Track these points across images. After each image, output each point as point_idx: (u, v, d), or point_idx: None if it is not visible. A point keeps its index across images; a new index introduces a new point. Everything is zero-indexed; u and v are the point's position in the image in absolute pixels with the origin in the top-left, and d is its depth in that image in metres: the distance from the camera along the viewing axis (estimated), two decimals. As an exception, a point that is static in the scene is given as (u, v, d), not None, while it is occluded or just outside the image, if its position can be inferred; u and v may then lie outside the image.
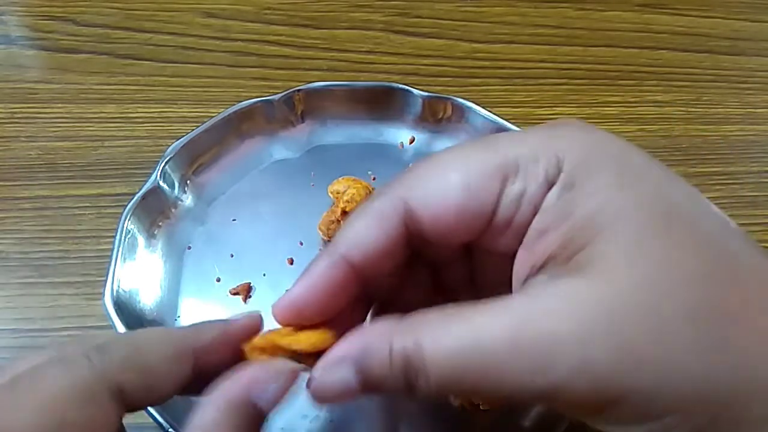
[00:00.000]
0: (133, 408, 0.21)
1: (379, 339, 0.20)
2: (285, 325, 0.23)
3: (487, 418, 0.32)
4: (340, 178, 0.40)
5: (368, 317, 0.26)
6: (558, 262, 0.20)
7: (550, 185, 0.20)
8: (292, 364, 0.22)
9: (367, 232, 0.22)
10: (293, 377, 0.22)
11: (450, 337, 0.19)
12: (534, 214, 0.21)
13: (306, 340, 0.22)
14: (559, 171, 0.20)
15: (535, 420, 0.32)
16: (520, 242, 0.21)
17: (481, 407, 0.32)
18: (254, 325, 0.23)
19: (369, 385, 0.20)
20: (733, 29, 0.58)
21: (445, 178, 0.21)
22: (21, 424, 0.18)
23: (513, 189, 0.21)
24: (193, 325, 0.23)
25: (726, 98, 0.52)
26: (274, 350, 0.22)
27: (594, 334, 0.18)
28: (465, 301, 0.20)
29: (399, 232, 0.22)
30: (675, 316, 0.18)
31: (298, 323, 0.23)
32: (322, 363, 0.21)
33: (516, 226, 0.21)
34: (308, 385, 0.21)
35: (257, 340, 0.23)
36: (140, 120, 0.46)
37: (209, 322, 0.23)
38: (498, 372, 0.18)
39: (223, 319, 0.23)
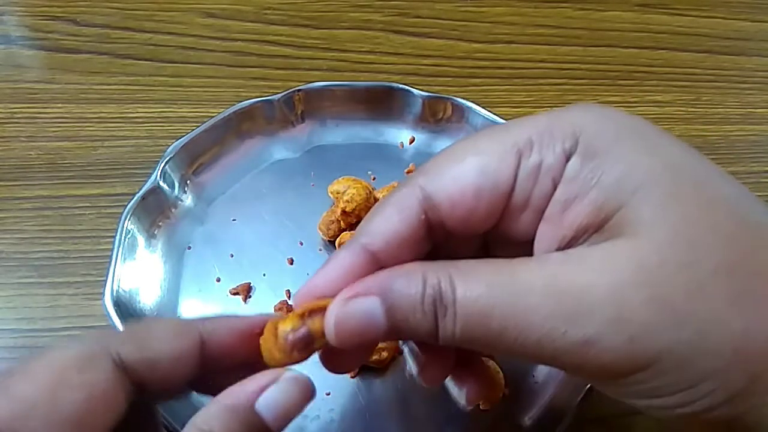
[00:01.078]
0: (143, 388, 0.21)
1: (411, 272, 0.20)
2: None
3: (487, 418, 0.32)
4: (340, 178, 0.40)
5: None
6: (587, 231, 0.20)
7: (567, 156, 0.20)
8: (302, 375, 0.21)
9: (387, 222, 0.22)
10: (303, 389, 0.21)
11: (483, 277, 0.19)
12: (554, 187, 0.21)
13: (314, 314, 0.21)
14: (576, 142, 0.20)
15: (535, 420, 0.32)
16: (539, 222, 0.21)
17: (481, 407, 0.32)
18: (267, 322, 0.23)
19: (395, 320, 0.20)
20: (733, 29, 0.58)
21: (460, 162, 0.21)
22: (29, 386, 0.19)
23: (529, 162, 0.21)
24: (209, 316, 0.23)
25: (726, 98, 0.52)
26: (288, 321, 0.21)
27: (632, 288, 0.18)
28: None
29: (419, 220, 0.22)
30: (712, 271, 0.18)
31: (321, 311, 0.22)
32: (346, 292, 0.20)
33: (535, 200, 0.21)
34: (327, 320, 0.20)
35: (270, 324, 0.22)
36: (140, 120, 0.46)
37: (226, 315, 0.23)
38: (528, 318, 0.18)
39: (237, 315, 0.24)
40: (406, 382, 0.34)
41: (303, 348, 0.21)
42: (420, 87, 0.44)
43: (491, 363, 0.33)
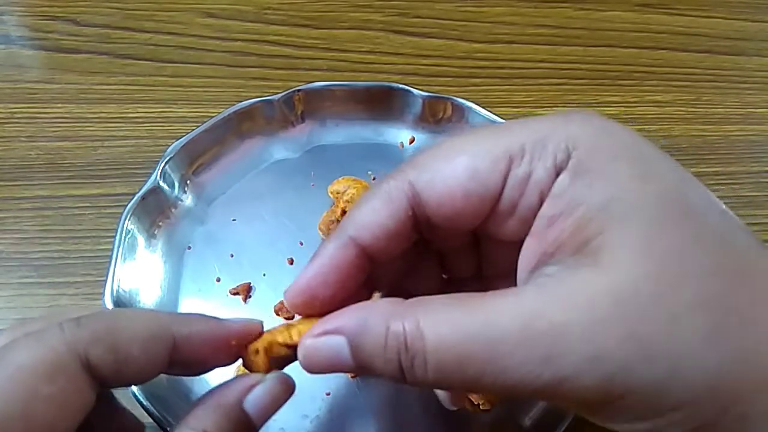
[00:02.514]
0: (108, 385, 0.21)
1: (377, 315, 0.20)
2: (296, 311, 0.23)
3: (487, 418, 0.32)
4: (340, 178, 0.40)
5: None
6: (569, 250, 0.19)
7: (558, 170, 0.20)
8: (285, 375, 0.23)
9: (375, 214, 0.22)
10: (286, 388, 0.22)
11: (455, 322, 0.19)
12: (540, 199, 0.20)
13: (301, 334, 0.22)
14: (568, 157, 0.20)
15: (535, 420, 0.32)
16: (525, 229, 0.21)
17: (481, 407, 0.32)
18: (251, 329, 0.23)
19: (360, 361, 0.20)
20: (733, 29, 0.58)
21: (451, 161, 0.21)
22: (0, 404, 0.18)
23: (518, 172, 0.20)
24: (186, 314, 0.23)
25: (726, 98, 0.52)
26: (272, 348, 0.22)
27: (608, 325, 0.18)
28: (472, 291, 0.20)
29: (406, 214, 0.22)
30: (688, 307, 0.18)
31: (308, 311, 0.22)
32: (317, 327, 0.21)
33: (521, 210, 0.21)
34: (299, 351, 0.21)
35: (255, 343, 0.23)
36: (140, 120, 0.46)
37: (205, 317, 0.23)
38: (504, 361, 0.18)
39: (221, 318, 0.23)
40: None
41: (284, 365, 0.23)
42: (420, 87, 0.44)
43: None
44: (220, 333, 0.23)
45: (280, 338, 0.22)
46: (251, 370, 0.23)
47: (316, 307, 0.22)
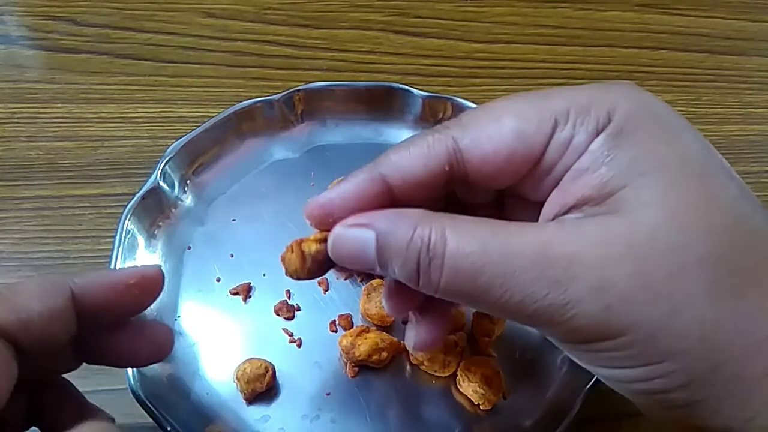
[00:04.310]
0: (27, 351, 0.21)
1: (407, 218, 0.21)
2: (310, 222, 0.24)
3: (487, 418, 0.32)
4: (340, 178, 0.40)
5: None
6: (592, 202, 0.20)
7: (597, 134, 0.21)
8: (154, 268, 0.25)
9: (410, 159, 0.23)
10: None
11: (479, 236, 0.20)
12: (577, 160, 0.21)
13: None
14: (609, 121, 0.21)
15: (535, 420, 0.32)
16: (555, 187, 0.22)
17: (481, 407, 0.32)
18: (146, 270, 0.24)
19: (383, 258, 0.21)
20: (733, 29, 0.58)
21: (498, 122, 0.22)
22: None
23: (561, 135, 0.21)
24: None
25: (726, 98, 0.52)
26: (304, 243, 0.24)
27: (616, 262, 0.19)
28: None
29: (442, 169, 0.22)
30: (696, 259, 0.18)
31: (321, 226, 0.24)
32: (350, 219, 0.22)
33: (557, 172, 0.22)
34: (329, 237, 0.23)
35: (290, 244, 0.24)
36: (140, 120, 0.46)
37: (101, 269, 0.24)
38: (516, 279, 0.19)
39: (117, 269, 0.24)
40: (406, 382, 0.34)
41: (320, 266, 0.24)
42: (420, 87, 0.44)
43: (492, 362, 0.33)
44: (115, 276, 0.23)
45: (312, 237, 0.24)
46: (288, 272, 0.24)
47: (329, 224, 0.23)
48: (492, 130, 0.22)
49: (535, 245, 0.19)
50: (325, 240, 0.23)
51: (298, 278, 0.24)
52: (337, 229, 0.22)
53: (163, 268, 0.36)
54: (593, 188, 0.20)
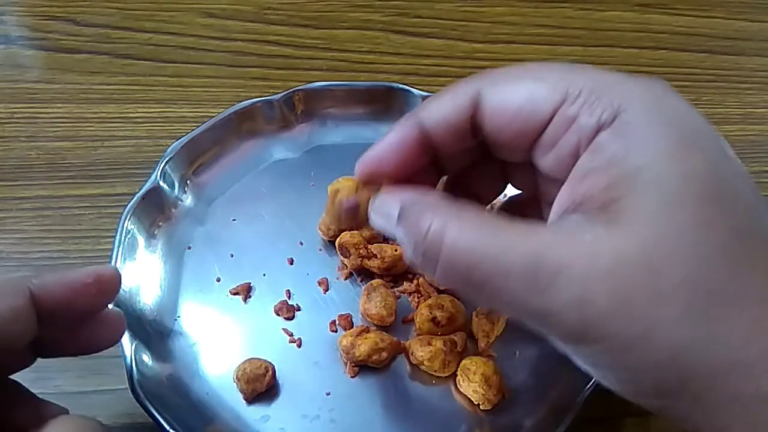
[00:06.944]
0: None
1: (425, 200, 0.23)
2: (362, 179, 0.26)
3: (487, 418, 0.32)
4: (340, 178, 0.39)
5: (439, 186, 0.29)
6: (596, 204, 0.21)
7: (600, 125, 0.21)
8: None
9: (441, 105, 0.25)
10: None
11: (477, 233, 0.21)
12: (578, 145, 0.22)
13: (364, 190, 0.27)
14: (614, 116, 0.21)
15: (535, 420, 0.32)
16: (562, 170, 0.23)
17: (481, 407, 0.32)
18: (102, 269, 0.25)
19: (400, 230, 0.23)
20: (733, 29, 0.58)
21: (518, 80, 0.23)
22: None
23: (567, 111, 0.22)
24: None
25: (726, 98, 0.52)
26: (339, 192, 0.28)
27: (601, 278, 0.19)
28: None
29: (467, 114, 0.24)
30: (676, 284, 0.19)
31: (372, 181, 0.26)
32: (386, 194, 0.25)
33: (560, 149, 0.22)
34: (371, 201, 0.26)
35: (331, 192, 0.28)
36: (140, 120, 0.46)
37: (59, 269, 0.25)
38: (506, 280, 0.20)
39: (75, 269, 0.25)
40: (406, 382, 0.34)
41: (352, 216, 0.27)
42: (420, 87, 0.44)
43: (492, 362, 0.33)
44: (72, 276, 0.24)
45: (353, 184, 0.27)
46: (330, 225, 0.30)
47: (381, 177, 0.25)
48: (509, 85, 0.23)
49: (529, 251, 0.20)
50: (356, 189, 0.26)
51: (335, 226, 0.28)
52: (379, 196, 0.25)
53: (163, 268, 0.37)
54: (600, 190, 0.21)
